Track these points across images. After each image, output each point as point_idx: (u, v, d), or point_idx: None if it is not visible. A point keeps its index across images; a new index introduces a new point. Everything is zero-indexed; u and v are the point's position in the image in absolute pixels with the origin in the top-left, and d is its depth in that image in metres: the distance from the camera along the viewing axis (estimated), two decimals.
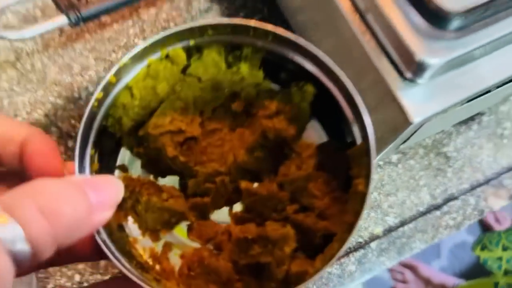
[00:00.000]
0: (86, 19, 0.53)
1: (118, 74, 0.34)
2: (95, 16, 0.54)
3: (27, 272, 0.26)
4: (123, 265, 0.31)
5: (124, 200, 0.35)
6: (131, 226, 0.37)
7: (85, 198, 0.25)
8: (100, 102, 0.33)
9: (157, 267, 0.36)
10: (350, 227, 0.32)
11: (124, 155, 0.38)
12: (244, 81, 0.38)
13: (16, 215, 0.20)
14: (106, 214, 0.27)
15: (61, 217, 0.22)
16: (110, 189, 0.27)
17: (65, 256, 0.33)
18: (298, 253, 0.35)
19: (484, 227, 1.41)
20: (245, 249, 0.35)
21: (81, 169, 0.32)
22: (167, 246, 0.37)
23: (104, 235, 0.31)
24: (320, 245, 0.35)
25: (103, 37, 0.60)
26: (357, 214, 0.32)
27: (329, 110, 0.37)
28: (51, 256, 0.23)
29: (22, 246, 0.20)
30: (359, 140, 0.34)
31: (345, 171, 0.36)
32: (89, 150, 0.33)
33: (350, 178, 0.35)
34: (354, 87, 0.33)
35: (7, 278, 0.20)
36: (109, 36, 0.60)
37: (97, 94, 0.32)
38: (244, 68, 0.38)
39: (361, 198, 0.32)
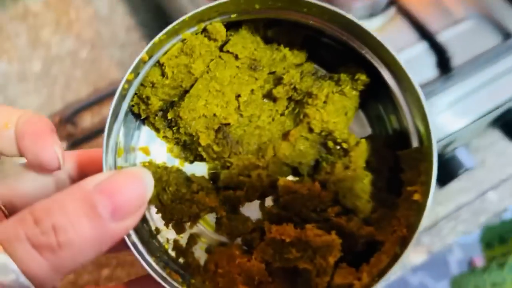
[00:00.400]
0: (82, 142, 0.62)
1: (151, 51, 0.28)
2: (90, 138, 0.63)
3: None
4: (151, 267, 0.27)
5: None
6: (154, 216, 0.32)
7: (93, 215, 0.20)
8: (130, 84, 0.28)
9: (181, 260, 0.32)
10: (402, 241, 0.27)
11: (146, 136, 0.33)
12: (285, 61, 0.32)
13: (9, 251, 0.19)
14: (128, 222, 0.22)
15: (61, 249, 0.19)
16: (133, 190, 0.22)
17: None
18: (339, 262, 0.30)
19: None
20: (280, 251, 0.30)
21: (107, 161, 0.27)
22: (192, 239, 0.32)
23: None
24: (362, 252, 0.30)
25: (98, 145, 0.63)
26: (412, 228, 0.27)
27: (377, 100, 0.32)
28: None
29: (22, 281, 0.19)
30: (414, 139, 0.30)
31: (390, 170, 0.31)
32: (114, 138, 0.28)
33: (397, 179, 0.30)
34: (417, 83, 0.28)
35: None
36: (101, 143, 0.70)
37: (128, 75, 0.27)
38: (284, 44, 0.32)
39: (417, 209, 0.27)
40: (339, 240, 0.29)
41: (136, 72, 0.28)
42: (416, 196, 0.28)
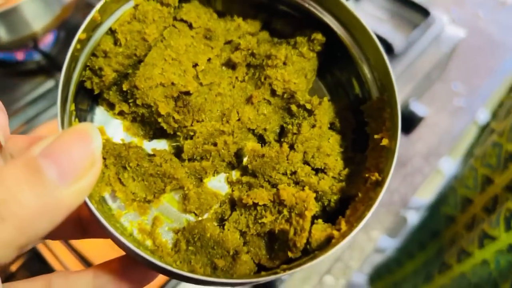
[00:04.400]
0: None
1: (103, 13, 0.27)
2: None
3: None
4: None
5: (106, 167, 0.28)
6: (114, 199, 0.30)
7: (37, 181, 0.19)
8: (82, 45, 0.27)
9: (149, 243, 0.29)
10: (375, 185, 0.27)
11: (100, 117, 0.31)
12: (240, 30, 0.33)
13: None
14: (81, 184, 0.20)
15: (5, 222, 0.18)
16: (80, 147, 0.20)
17: None
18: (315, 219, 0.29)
19: None
20: (254, 217, 0.29)
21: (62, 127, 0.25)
22: (157, 220, 0.30)
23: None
24: (335, 210, 0.30)
25: None
26: (384, 171, 0.27)
27: (335, 65, 0.33)
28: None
29: None
30: (374, 93, 0.30)
31: (353, 132, 0.32)
32: (69, 105, 0.26)
33: (361, 140, 0.31)
34: (372, 34, 0.29)
35: None
36: None
37: (80, 33, 0.26)
38: (237, 14, 0.33)
39: (386, 154, 0.28)
40: (313, 194, 0.29)
41: (88, 34, 0.27)
42: (384, 141, 0.28)
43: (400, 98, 0.69)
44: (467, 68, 0.96)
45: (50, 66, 0.72)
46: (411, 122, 0.76)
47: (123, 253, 0.26)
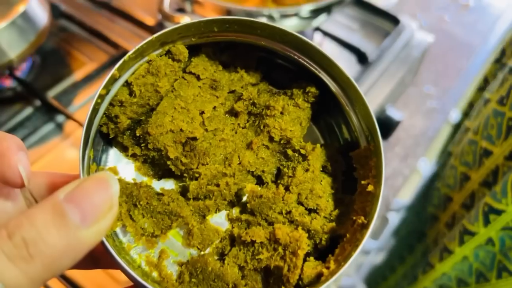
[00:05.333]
0: None
1: (122, 70, 0.30)
2: None
3: None
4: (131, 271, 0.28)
5: (119, 204, 0.30)
6: (125, 233, 0.33)
7: (62, 224, 0.21)
8: (102, 99, 0.30)
9: (155, 274, 0.32)
10: (362, 228, 0.30)
11: (113, 157, 0.34)
12: (242, 81, 0.36)
13: None
14: (100, 226, 0.23)
15: (34, 260, 0.20)
16: (100, 193, 0.23)
17: None
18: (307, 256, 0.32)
19: None
20: (251, 253, 0.32)
21: (83, 171, 0.28)
22: (164, 253, 0.33)
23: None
24: (326, 248, 0.33)
25: None
26: (369, 215, 0.30)
27: (327, 114, 0.36)
28: None
29: None
30: (362, 141, 0.34)
31: (343, 174, 0.35)
32: (88, 150, 0.29)
33: (350, 182, 0.34)
34: (360, 90, 0.32)
35: None
36: None
37: (100, 90, 0.29)
38: (240, 67, 0.36)
39: (372, 199, 0.31)
40: (305, 234, 0.32)
41: (107, 89, 0.30)
42: (370, 188, 0.31)
43: (376, 104, 0.70)
44: (437, 71, 0.99)
45: (27, 92, 0.72)
46: (388, 127, 0.78)
47: (114, 279, 0.27)
